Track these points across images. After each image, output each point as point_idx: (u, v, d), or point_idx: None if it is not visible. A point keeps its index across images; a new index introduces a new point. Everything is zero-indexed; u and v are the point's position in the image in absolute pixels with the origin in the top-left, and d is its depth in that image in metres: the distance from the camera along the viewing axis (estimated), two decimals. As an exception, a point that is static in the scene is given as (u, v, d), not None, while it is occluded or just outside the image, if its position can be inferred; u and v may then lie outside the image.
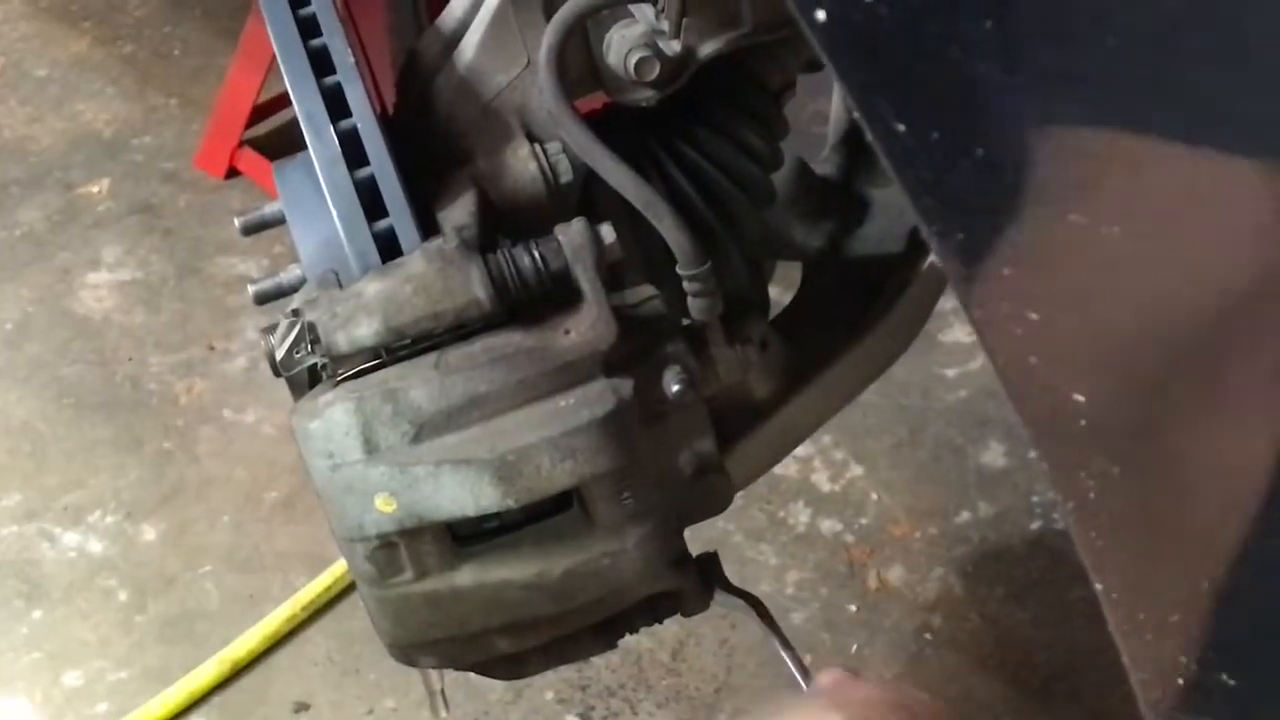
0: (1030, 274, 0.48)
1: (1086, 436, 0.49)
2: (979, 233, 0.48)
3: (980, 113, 0.47)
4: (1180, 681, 0.53)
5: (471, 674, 1.89)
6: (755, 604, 1.27)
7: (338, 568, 2.11)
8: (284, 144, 1.15)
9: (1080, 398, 0.47)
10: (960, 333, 2.45)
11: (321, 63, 1.09)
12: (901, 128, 0.47)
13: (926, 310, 1.46)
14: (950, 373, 2.41)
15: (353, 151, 1.06)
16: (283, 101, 2.80)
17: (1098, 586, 0.52)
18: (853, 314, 1.41)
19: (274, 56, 1.09)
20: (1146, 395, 0.48)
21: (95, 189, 2.96)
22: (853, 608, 2.06)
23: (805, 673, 1.22)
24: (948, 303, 2.43)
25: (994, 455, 2.26)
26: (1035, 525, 2.15)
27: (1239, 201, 0.45)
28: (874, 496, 2.21)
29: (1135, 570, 0.52)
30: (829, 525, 2.17)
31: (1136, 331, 0.48)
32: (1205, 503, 0.50)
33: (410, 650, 1.14)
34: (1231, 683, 0.52)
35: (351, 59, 1.08)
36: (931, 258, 1.41)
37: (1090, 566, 0.53)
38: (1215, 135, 0.44)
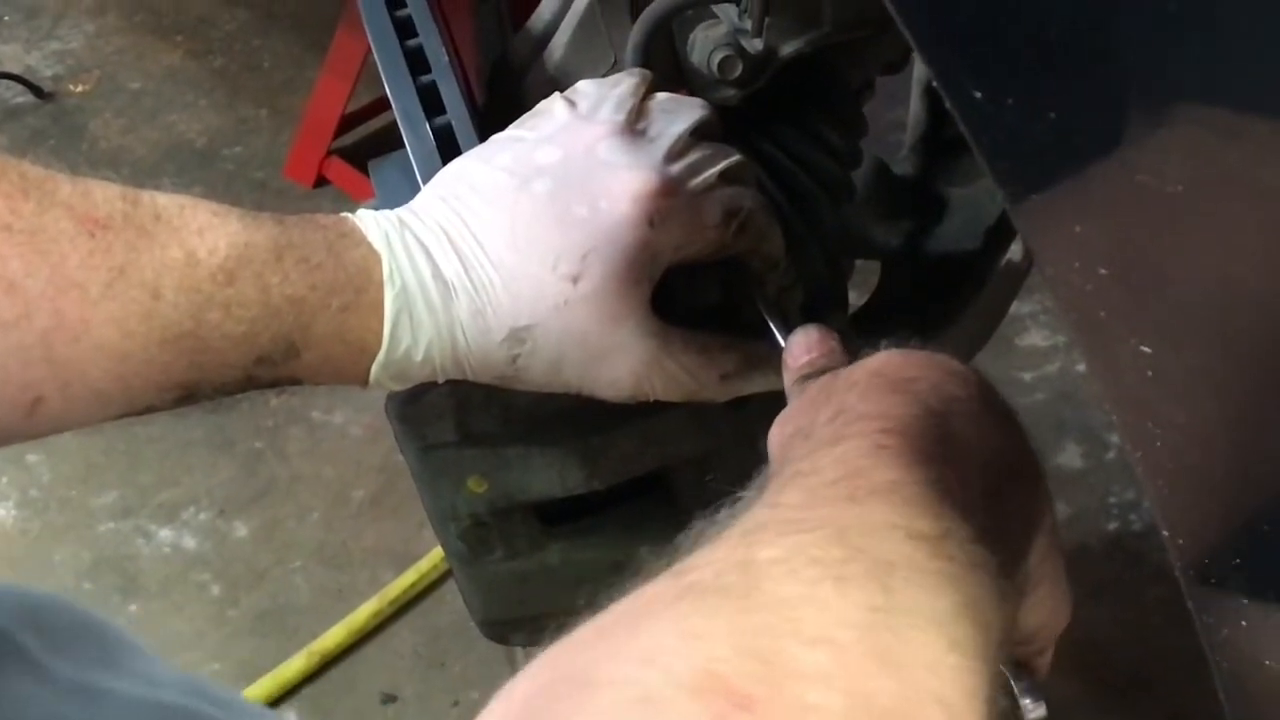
0: (1100, 232, 0.51)
1: (1153, 386, 0.52)
2: (1051, 192, 0.52)
3: (1052, 79, 0.50)
4: (1243, 623, 0.56)
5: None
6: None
7: (424, 564, 2.16)
8: (372, 153, 1.19)
9: (1147, 349, 0.50)
10: (1037, 337, 2.46)
11: (417, 62, 1.13)
12: (978, 95, 0.50)
13: (1003, 308, 1.47)
14: (1027, 376, 2.41)
15: (447, 146, 1.10)
16: (370, 111, 2.86)
17: (1165, 533, 0.55)
18: (929, 311, 1.42)
19: (361, 68, 1.13)
20: (1211, 347, 0.51)
21: (188, 198, 3.03)
22: (930, 606, 2.07)
23: None
24: (1024, 307, 2.46)
25: (1070, 457, 2.26)
26: (1112, 526, 2.15)
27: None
28: (951, 497, 2.22)
29: (1201, 516, 0.55)
30: (906, 525, 2.18)
31: (1202, 287, 0.51)
32: (1271, 450, 0.53)
33: (501, 628, 1.18)
34: (1294, 624, 0.55)
35: (446, 58, 1.12)
36: (1008, 256, 1.43)
37: (1158, 515, 0.55)
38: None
